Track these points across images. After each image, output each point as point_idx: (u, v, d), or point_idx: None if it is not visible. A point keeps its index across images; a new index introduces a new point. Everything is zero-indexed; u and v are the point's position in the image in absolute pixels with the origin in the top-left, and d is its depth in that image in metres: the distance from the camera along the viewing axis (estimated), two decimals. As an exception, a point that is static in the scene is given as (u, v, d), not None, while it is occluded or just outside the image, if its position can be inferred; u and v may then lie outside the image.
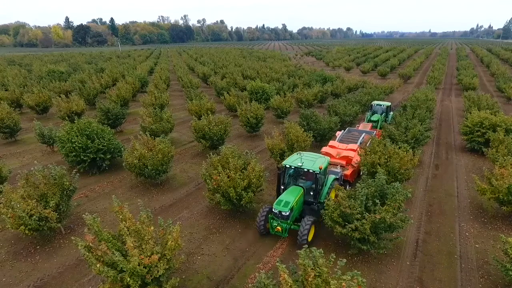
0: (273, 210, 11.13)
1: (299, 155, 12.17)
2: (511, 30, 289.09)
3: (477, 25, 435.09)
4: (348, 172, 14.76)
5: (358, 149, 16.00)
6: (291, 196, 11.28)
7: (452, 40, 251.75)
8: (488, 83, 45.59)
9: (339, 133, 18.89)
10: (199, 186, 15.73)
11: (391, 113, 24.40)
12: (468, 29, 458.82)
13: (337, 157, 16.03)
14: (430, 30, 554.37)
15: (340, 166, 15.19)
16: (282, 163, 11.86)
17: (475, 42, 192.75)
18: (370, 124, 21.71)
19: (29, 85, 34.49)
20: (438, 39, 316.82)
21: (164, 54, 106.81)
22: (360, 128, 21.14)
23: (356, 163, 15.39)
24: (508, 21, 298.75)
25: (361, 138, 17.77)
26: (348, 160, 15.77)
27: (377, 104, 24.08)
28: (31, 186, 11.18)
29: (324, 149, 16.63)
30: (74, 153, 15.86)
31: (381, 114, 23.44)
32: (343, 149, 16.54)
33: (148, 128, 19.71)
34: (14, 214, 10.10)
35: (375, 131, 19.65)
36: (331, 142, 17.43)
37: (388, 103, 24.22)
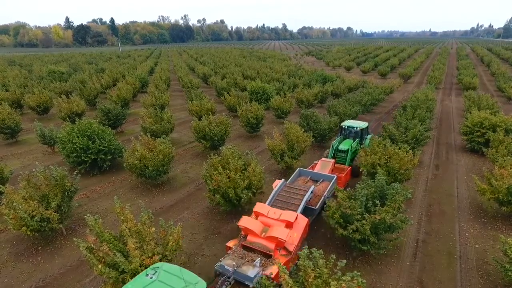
0: None
1: (151, 276, 6.56)
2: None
3: (478, 25, 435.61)
4: (274, 269, 8.40)
5: (298, 218, 9.85)
6: None
7: (453, 40, 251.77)
8: (488, 83, 45.59)
9: (277, 183, 12.11)
10: (200, 187, 15.78)
11: (368, 136, 17.34)
12: (468, 28, 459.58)
13: (262, 235, 9.51)
14: (430, 29, 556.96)
15: (263, 256, 9.15)
16: None
17: (476, 41, 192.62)
18: (332, 161, 14.93)
19: (30, 85, 34.59)
20: (439, 39, 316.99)
21: (164, 54, 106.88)
22: (317, 167, 14.65)
23: (292, 248, 9.19)
24: (508, 20, 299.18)
25: (308, 194, 11.24)
26: (279, 243, 9.21)
27: (348, 126, 16.93)
28: (32, 187, 11.23)
29: (243, 221, 9.76)
30: (75, 154, 15.91)
31: (354, 140, 16.68)
32: (274, 219, 9.84)
33: (148, 129, 19.77)
34: (16, 215, 10.15)
35: (335, 176, 13.23)
36: (258, 207, 10.41)
37: (364, 124, 16.98)
